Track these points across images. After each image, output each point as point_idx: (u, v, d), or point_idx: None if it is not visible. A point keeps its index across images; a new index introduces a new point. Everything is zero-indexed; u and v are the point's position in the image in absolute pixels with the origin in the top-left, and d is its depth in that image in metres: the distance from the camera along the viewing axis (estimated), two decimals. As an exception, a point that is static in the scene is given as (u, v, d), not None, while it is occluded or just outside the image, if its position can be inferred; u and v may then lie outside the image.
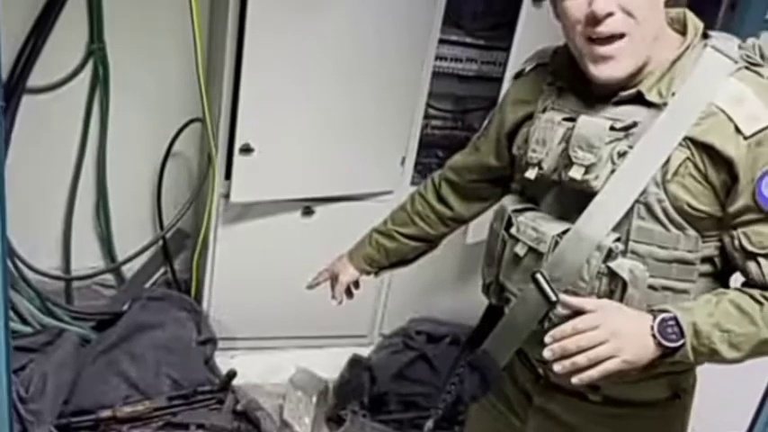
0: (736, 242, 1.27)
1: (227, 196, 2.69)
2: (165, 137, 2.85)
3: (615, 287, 1.29)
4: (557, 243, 1.33)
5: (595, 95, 1.35)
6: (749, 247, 1.25)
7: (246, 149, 2.55)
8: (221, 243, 2.81)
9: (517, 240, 1.40)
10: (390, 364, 2.91)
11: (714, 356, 1.24)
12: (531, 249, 1.37)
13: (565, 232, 1.33)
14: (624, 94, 1.30)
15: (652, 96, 1.28)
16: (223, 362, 2.81)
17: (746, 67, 1.27)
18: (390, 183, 2.91)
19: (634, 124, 1.28)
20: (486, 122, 1.66)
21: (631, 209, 1.27)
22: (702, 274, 1.31)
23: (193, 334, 2.75)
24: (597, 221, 1.29)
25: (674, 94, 1.27)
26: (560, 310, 1.31)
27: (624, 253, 1.29)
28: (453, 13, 2.81)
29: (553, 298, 1.32)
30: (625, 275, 1.27)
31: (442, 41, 2.79)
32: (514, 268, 1.41)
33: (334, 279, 1.88)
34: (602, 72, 1.27)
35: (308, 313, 2.81)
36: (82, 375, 2.54)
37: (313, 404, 2.73)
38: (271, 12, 2.40)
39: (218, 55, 2.60)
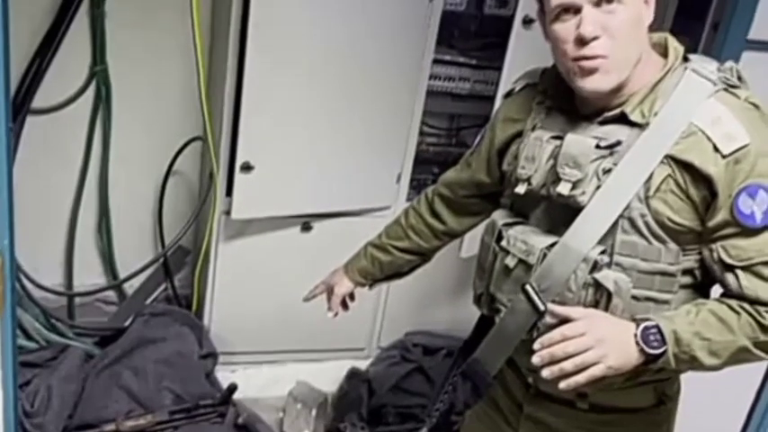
0: (715, 255, 1.32)
1: (227, 213, 2.73)
2: (166, 155, 2.91)
3: (600, 297, 1.34)
4: (545, 255, 1.38)
5: (582, 115, 1.41)
6: (727, 260, 1.31)
7: (247, 167, 2.60)
8: (222, 259, 2.84)
9: (507, 253, 1.45)
10: (388, 377, 2.95)
11: (694, 363, 1.30)
12: (520, 261, 1.42)
13: (553, 245, 1.38)
14: (609, 114, 1.36)
15: (635, 117, 1.34)
16: (224, 376, 2.84)
17: (725, 89, 1.33)
18: (387, 199, 2.96)
19: (618, 143, 1.34)
20: (477, 140, 1.71)
21: (616, 223, 1.33)
22: (683, 286, 1.37)
23: (195, 348, 2.78)
24: (584, 235, 1.35)
25: (656, 115, 1.32)
26: (548, 320, 1.36)
27: (609, 265, 1.34)
28: (447, 33, 2.87)
29: (542, 308, 1.37)
30: (610, 286, 1.33)
31: (435, 61, 2.85)
32: (505, 279, 1.47)
33: (330, 291, 1.92)
34: (589, 85, 1.33)
35: (307, 327, 2.85)
36: (85, 390, 2.57)
37: (312, 416, 2.77)
38: (271, 33, 2.46)
39: (219, 76, 2.65)
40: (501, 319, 1.47)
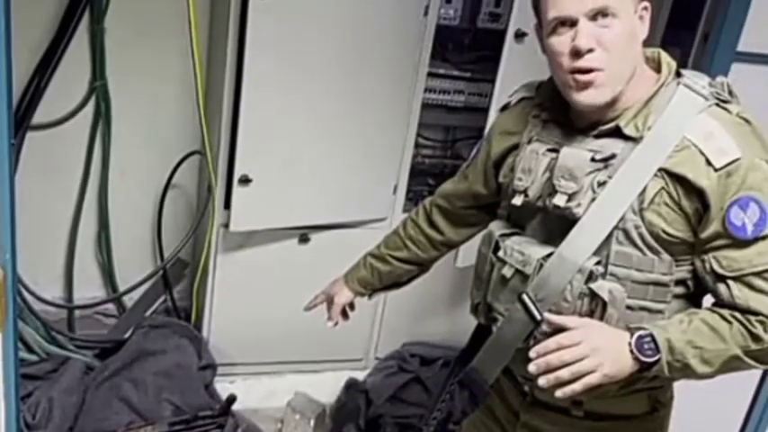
0: (708, 266, 1.35)
1: (226, 226, 2.75)
2: (165, 169, 2.93)
3: (596, 307, 1.37)
4: (541, 266, 1.41)
5: (577, 129, 1.44)
6: (719, 271, 1.34)
7: (245, 180, 2.63)
8: (220, 271, 2.86)
9: (504, 263, 1.48)
10: (385, 387, 2.97)
11: (687, 371, 1.33)
12: (517, 271, 1.45)
13: (549, 256, 1.41)
14: (604, 128, 1.39)
15: (629, 130, 1.37)
16: (223, 387, 2.85)
17: (716, 104, 1.37)
18: (383, 210, 2.98)
19: (613, 156, 1.37)
20: (473, 152, 1.74)
21: (611, 234, 1.36)
22: (676, 296, 1.39)
23: (194, 360, 2.79)
24: (579, 246, 1.38)
25: (649, 129, 1.36)
26: (545, 328, 1.39)
27: (604, 275, 1.37)
28: (441, 47, 2.91)
29: (538, 317, 1.40)
30: (605, 296, 1.36)
31: (430, 75, 2.88)
32: (502, 289, 1.49)
33: (330, 301, 1.94)
34: (583, 99, 1.36)
35: (306, 338, 2.88)
36: (86, 402, 2.59)
37: (311, 427, 2.79)
38: (267, 48, 2.49)
39: (217, 90, 2.67)
40: (498, 328, 1.50)
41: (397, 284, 1.94)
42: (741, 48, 2.41)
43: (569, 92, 1.38)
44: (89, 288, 3.04)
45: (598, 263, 1.37)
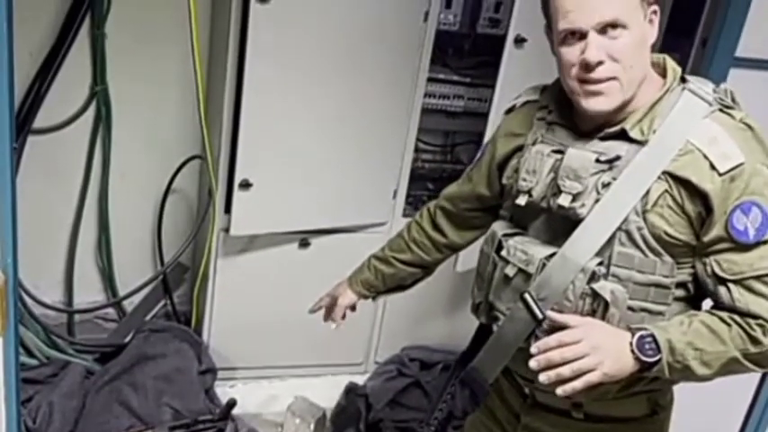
0: (709, 269, 1.37)
1: (226, 230, 2.76)
2: (165, 174, 2.94)
3: (597, 307, 1.38)
4: (544, 265, 1.42)
5: (582, 131, 1.45)
6: (720, 274, 1.35)
7: (245, 185, 2.64)
8: (220, 275, 2.87)
9: (507, 262, 1.49)
10: (385, 391, 2.97)
11: (687, 372, 1.34)
12: (520, 271, 1.46)
13: (552, 255, 1.42)
14: (609, 130, 1.41)
15: (635, 134, 1.38)
16: (223, 391, 2.86)
17: (720, 110, 1.38)
18: (383, 215, 2.99)
19: (618, 158, 1.38)
20: (478, 154, 1.75)
21: (613, 235, 1.37)
22: (677, 298, 1.40)
23: (194, 364, 2.79)
24: (582, 246, 1.39)
25: (654, 132, 1.37)
26: (546, 328, 1.40)
27: (606, 276, 1.38)
28: (441, 52, 2.92)
29: (540, 316, 1.41)
30: (607, 296, 1.37)
31: (430, 80, 2.89)
32: (504, 288, 1.50)
33: (333, 303, 1.96)
34: (592, 106, 1.37)
35: (306, 342, 2.89)
36: (86, 406, 2.59)
37: (311, 431, 2.79)
38: (268, 53, 2.50)
39: (217, 95, 2.68)
40: (500, 327, 1.51)
41: (401, 287, 1.95)
42: (739, 53, 2.42)
43: (578, 98, 1.39)
44: (89, 292, 3.05)
45: (600, 263, 1.38)
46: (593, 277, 1.38)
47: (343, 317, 1.97)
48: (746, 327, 1.32)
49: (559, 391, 1.32)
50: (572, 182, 1.40)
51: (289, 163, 2.71)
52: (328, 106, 2.69)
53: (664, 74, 1.44)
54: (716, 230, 1.34)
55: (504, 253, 1.50)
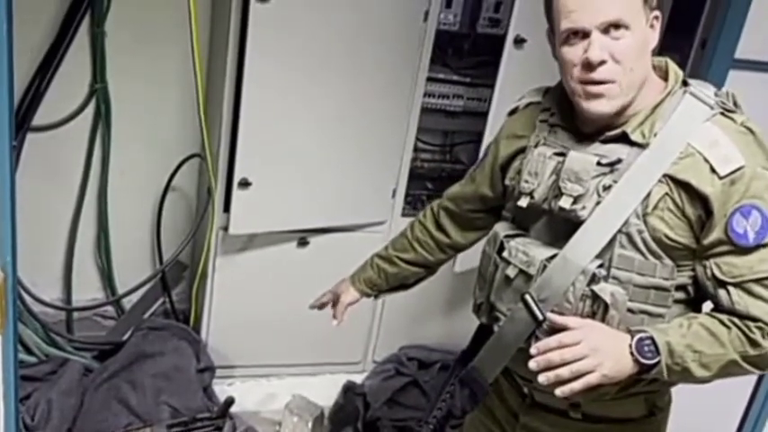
0: (709, 271, 1.37)
1: (225, 229, 2.75)
2: (164, 172, 2.94)
3: (597, 309, 1.39)
4: (545, 267, 1.43)
5: (584, 133, 1.46)
6: (720, 276, 1.36)
7: (245, 183, 2.64)
8: (219, 274, 2.87)
9: (508, 263, 1.50)
10: (383, 390, 2.97)
11: (685, 374, 1.34)
12: (521, 272, 1.47)
13: (552, 257, 1.43)
14: (611, 133, 1.41)
15: (636, 137, 1.39)
16: (221, 389, 2.87)
17: (721, 113, 1.39)
18: (382, 214, 2.99)
19: (619, 161, 1.39)
20: (481, 155, 1.76)
21: (614, 238, 1.38)
22: (677, 301, 1.41)
23: (192, 362, 2.79)
24: (583, 248, 1.40)
25: (655, 135, 1.38)
26: (546, 328, 1.40)
27: (606, 278, 1.39)
28: (440, 52, 2.92)
29: (540, 317, 1.41)
30: (607, 298, 1.37)
31: (430, 79, 2.89)
32: (505, 289, 1.51)
33: (335, 300, 1.96)
34: (593, 107, 1.38)
35: (304, 341, 2.90)
36: (85, 403, 2.59)
37: (309, 429, 2.78)
38: (268, 52, 2.50)
39: (217, 93, 2.69)
40: (500, 328, 1.52)
41: (403, 286, 1.95)
42: (739, 55, 2.42)
43: (579, 100, 1.40)
44: (88, 290, 3.05)
45: (601, 265, 1.39)
46: (594, 279, 1.38)
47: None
48: (746, 329, 1.33)
49: (558, 392, 1.33)
50: (573, 184, 1.40)
51: (288, 162, 2.71)
52: (328, 105, 2.69)
53: (665, 77, 1.45)
54: (716, 233, 1.34)
55: (505, 254, 1.51)
